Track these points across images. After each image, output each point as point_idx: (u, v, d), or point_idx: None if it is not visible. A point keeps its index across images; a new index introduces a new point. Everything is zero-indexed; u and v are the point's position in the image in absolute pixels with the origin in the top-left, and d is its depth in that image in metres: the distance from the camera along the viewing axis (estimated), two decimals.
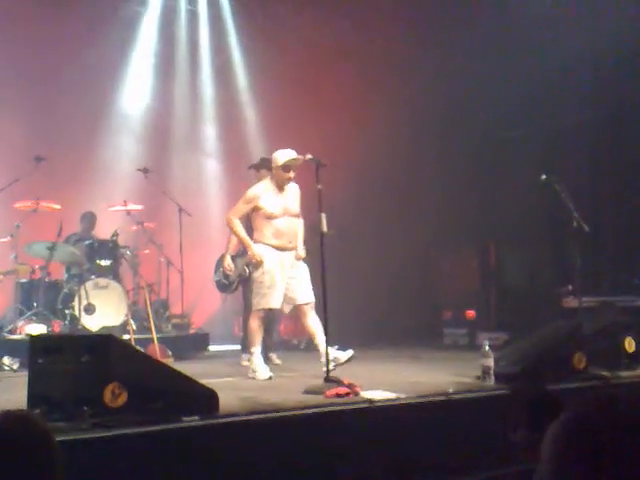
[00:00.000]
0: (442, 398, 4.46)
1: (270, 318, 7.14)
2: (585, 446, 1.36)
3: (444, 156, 10.03)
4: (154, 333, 6.89)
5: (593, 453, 1.35)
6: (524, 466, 2.36)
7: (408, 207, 9.95)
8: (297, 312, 5.98)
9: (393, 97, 9.83)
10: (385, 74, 10.15)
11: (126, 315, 7.32)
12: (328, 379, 4.84)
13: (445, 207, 9.90)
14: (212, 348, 8.30)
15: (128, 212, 8.23)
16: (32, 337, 4.38)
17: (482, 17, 9.39)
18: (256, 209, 5.85)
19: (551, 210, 7.94)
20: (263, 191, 5.88)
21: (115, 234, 7.85)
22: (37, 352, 3.85)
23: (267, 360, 6.97)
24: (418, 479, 3.94)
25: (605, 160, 9.13)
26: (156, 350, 6.70)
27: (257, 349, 5.86)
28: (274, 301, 5.80)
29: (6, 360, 6.34)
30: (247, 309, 7.17)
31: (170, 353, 7.00)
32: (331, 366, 5.02)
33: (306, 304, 5.81)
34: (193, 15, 10.56)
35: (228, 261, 7.02)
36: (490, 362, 4.94)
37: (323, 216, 5.32)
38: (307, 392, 4.65)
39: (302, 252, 5.98)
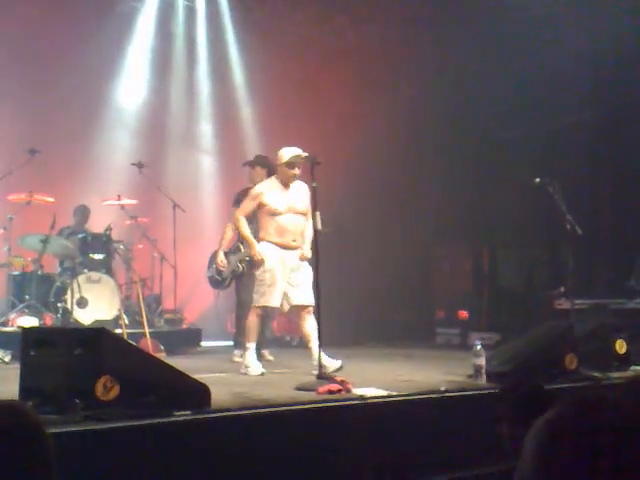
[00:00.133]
0: (434, 396, 4.47)
1: (264, 315, 7.14)
2: (566, 447, 1.37)
3: (442, 156, 10.06)
4: (146, 328, 6.89)
5: (574, 455, 1.36)
6: (515, 464, 2.37)
7: (405, 207, 9.97)
8: (295, 312, 5.96)
9: (392, 96, 9.85)
10: (384, 73, 10.15)
11: (118, 309, 7.31)
12: (320, 376, 4.85)
13: (441, 208, 9.92)
14: (204, 344, 8.31)
15: (122, 206, 8.22)
16: (24, 329, 4.37)
17: (481, 17, 9.41)
18: (261, 206, 5.82)
19: (545, 213, 7.96)
20: (268, 188, 5.86)
21: (108, 228, 7.84)
22: (29, 344, 3.84)
23: (260, 356, 6.97)
24: (410, 476, 3.95)
25: (602, 161, 9.17)
26: (148, 345, 6.70)
27: (252, 345, 5.86)
28: (273, 299, 5.76)
29: None
30: (240, 305, 7.18)
31: (162, 348, 6.99)
32: (316, 370, 5.04)
33: (304, 307, 5.75)
34: (190, 11, 10.54)
35: (221, 257, 7.01)
36: (482, 361, 4.96)
37: (318, 214, 5.34)
38: (299, 389, 4.65)
39: (308, 252, 5.86)
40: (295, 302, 5.74)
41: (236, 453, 3.55)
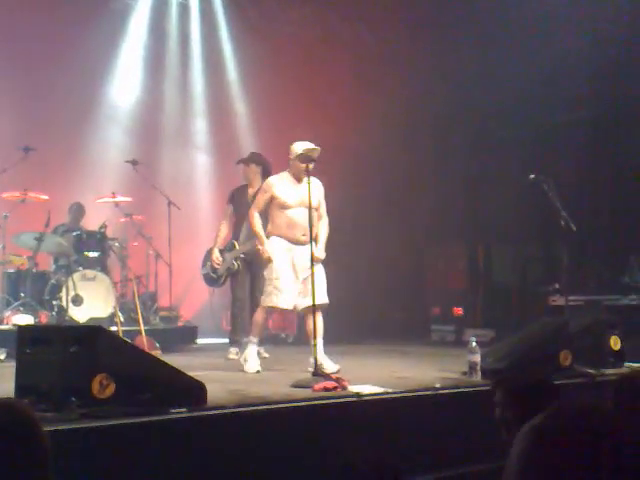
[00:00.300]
0: (429, 393, 4.49)
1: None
2: (550, 453, 1.40)
3: (437, 155, 10.07)
4: (142, 325, 6.88)
5: (557, 461, 1.39)
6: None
7: (400, 205, 9.98)
8: (304, 310, 5.82)
9: (386, 95, 9.84)
10: (378, 72, 10.14)
11: (114, 307, 7.31)
12: (316, 373, 4.86)
13: (436, 205, 9.93)
14: (200, 341, 8.31)
15: (117, 204, 8.22)
16: (20, 327, 4.37)
17: (477, 17, 9.41)
18: (272, 198, 5.74)
19: (539, 210, 7.98)
20: (279, 180, 5.79)
21: (103, 226, 7.83)
22: (25, 342, 3.83)
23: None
24: (406, 472, 3.96)
25: (597, 160, 9.18)
26: (144, 342, 6.69)
27: (255, 340, 5.79)
28: (281, 300, 5.64)
29: None
30: (235, 303, 7.18)
31: (158, 345, 6.98)
32: (312, 368, 5.05)
33: (308, 306, 5.54)
34: (184, 8, 10.53)
35: (216, 255, 7.02)
36: (477, 358, 4.96)
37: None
38: (295, 386, 4.66)
39: (321, 253, 5.74)
40: (308, 304, 5.49)
41: (232, 450, 3.56)
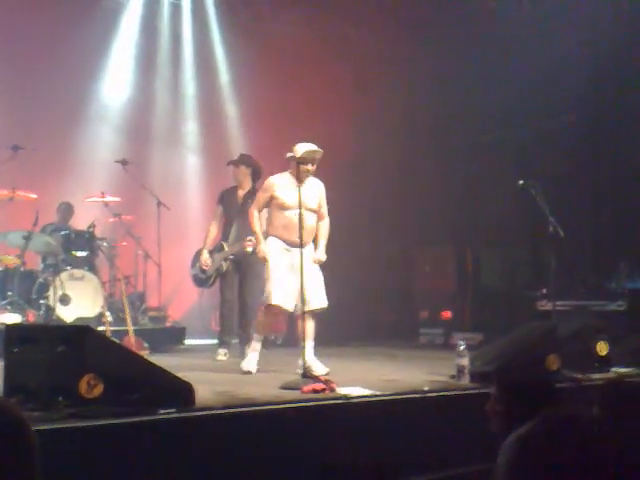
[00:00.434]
0: (417, 396, 4.50)
1: (246, 312, 7.13)
2: (534, 463, 1.42)
3: (426, 160, 10.08)
4: (130, 325, 6.86)
5: (541, 470, 1.41)
6: (494, 464, 2.41)
7: (390, 209, 9.99)
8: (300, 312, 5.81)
9: (379, 99, 9.84)
10: (372, 75, 10.14)
11: (102, 307, 7.28)
12: (305, 375, 4.86)
13: (425, 209, 9.94)
14: (188, 342, 8.28)
15: (106, 204, 8.19)
16: (8, 326, 4.36)
17: (471, 22, 9.43)
18: (272, 198, 5.71)
19: (528, 214, 8.02)
20: (280, 180, 5.72)
21: (92, 225, 7.80)
22: (13, 341, 3.82)
23: (243, 355, 6.98)
24: (392, 475, 3.96)
25: (586, 164, 9.22)
26: (132, 342, 6.68)
27: (258, 337, 5.78)
28: (280, 299, 5.56)
29: None
30: (224, 304, 7.17)
31: (146, 345, 6.96)
32: (301, 370, 5.05)
33: (309, 310, 5.52)
34: (175, 8, 10.51)
35: (205, 256, 7.01)
36: (465, 361, 4.98)
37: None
38: (284, 387, 4.66)
39: (322, 256, 5.73)
40: (307, 307, 5.45)
41: (220, 452, 3.55)
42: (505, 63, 8.94)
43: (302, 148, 5.63)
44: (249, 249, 6.52)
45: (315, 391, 4.42)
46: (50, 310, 7.14)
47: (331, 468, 3.83)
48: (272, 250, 5.68)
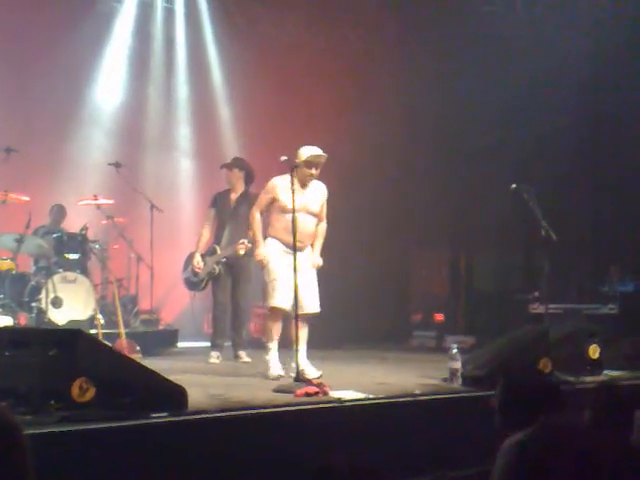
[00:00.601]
0: (409, 399, 4.50)
1: (238, 315, 7.12)
2: (531, 468, 1.43)
3: (420, 163, 10.09)
4: (122, 328, 6.84)
5: (535, 477, 1.42)
6: (486, 467, 2.41)
7: (384, 212, 9.99)
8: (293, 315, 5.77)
9: (375, 101, 9.83)
10: (368, 77, 10.14)
11: (94, 310, 7.26)
12: (298, 378, 4.86)
13: (419, 213, 9.95)
14: (181, 345, 8.27)
15: (98, 206, 8.17)
16: None
17: (468, 25, 9.45)
18: (273, 200, 5.67)
19: (521, 218, 8.03)
20: (282, 183, 5.63)
21: (84, 228, 7.77)
22: (4, 344, 3.80)
23: (236, 357, 6.98)
24: (385, 478, 3.96)
25: (581, 168, 9.25)
26: (124, 345, 6.66)
27: (272, 345, 5.67)
28: (282, 300, 5.54)
29: None
30: (216, 307, 7.17)
31: (138, 348, 6.94)
32: (293, 373, 5.04)
33: (302, 314, 5.43)
34: (169, 12, 10.50)
35: (197, 259, 7.00)
36: (458, 365, 4.99)
37: (297, 216, 5.36)
38: (277, 391, 4.66)
39: (319, 260, 5.74)
40: (302, 311, 5.38)
41: (213, 455, 3.55)
42: (505, 64, 8.95)
43: (307, 152, 5.57)
44: (242, 252, 6.52)
45: (308, 394, 4.42)
46: (42, 313, 7.11)
47: (324, 471, 3.83)
48: (272, 252, 5.66)
